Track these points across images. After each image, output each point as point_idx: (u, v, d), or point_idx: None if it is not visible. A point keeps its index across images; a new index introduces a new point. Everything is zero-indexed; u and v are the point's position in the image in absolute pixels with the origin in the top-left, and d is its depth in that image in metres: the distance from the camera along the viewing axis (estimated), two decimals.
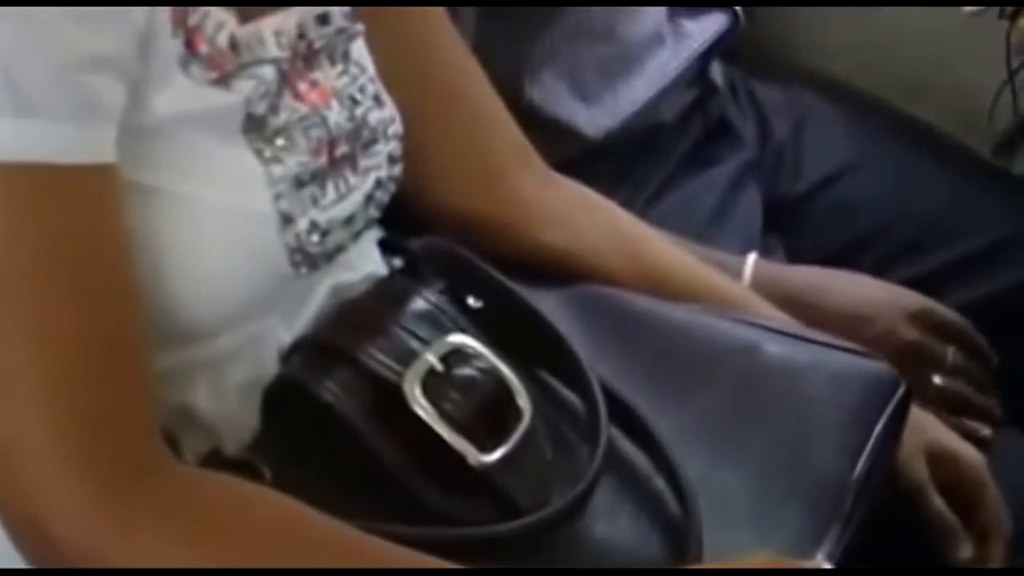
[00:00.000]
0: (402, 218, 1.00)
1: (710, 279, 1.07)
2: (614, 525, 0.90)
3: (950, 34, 1.30)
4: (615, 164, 1.17)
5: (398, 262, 0.97)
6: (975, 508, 1.05)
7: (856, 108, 1.35)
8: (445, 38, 1.05)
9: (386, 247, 0.98)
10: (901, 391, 1.02)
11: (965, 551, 1.05)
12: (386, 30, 0.99)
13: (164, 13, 0.82)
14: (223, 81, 0.85)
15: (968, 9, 1.15)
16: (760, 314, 1.06)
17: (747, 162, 1.29)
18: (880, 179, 1.30)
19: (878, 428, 0.99)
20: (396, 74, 0.97)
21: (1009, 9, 1.14)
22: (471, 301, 0.93)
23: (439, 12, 1.05)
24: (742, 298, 1.08)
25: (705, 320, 1.03)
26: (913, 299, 1.12)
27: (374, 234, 0.98)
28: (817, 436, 0.98)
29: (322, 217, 0.89)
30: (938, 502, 1.05)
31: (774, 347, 1.01)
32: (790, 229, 1.27)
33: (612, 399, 0.93)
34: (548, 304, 0.96)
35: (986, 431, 1.07)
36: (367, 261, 0.96)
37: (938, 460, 1.05)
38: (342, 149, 0.91)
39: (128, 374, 0.78)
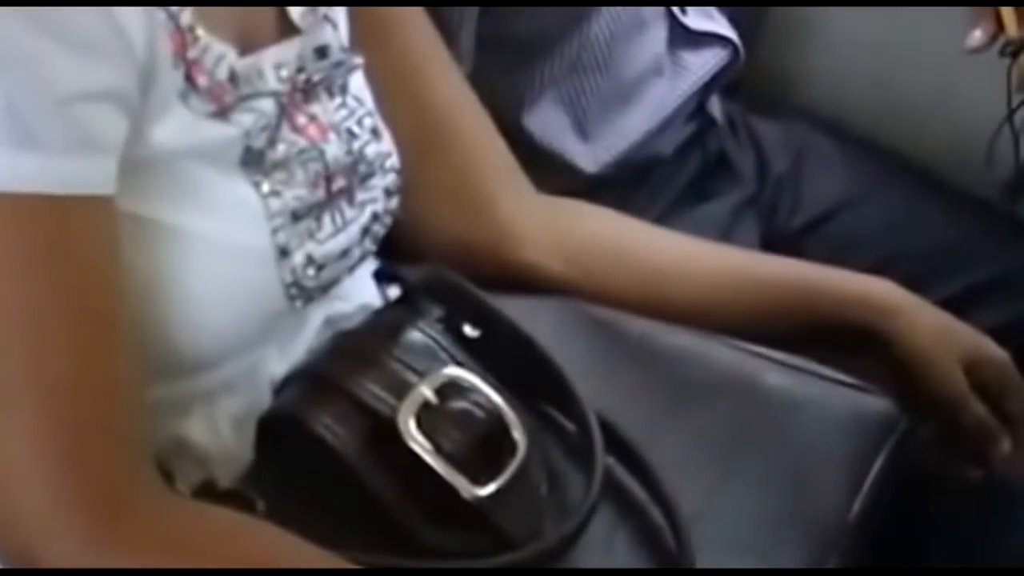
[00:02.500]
0: (398, 246, 1.00)
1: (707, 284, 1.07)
2: (609, 555, 0.90)
3: (949, 71, 1.31)
4: (613, 197, 1.17)
5: (394, 291, 0.98)
6: (1004, 401, 1.06)
7: (854, 144, 1.35)
8: (441, 71, 1.06)
9: (382, 276, 0.99)
10: (901, 428, 1.02)
11: (1004, 446, 1.06)
12: (384, 63, 0.99)
13: (165, 46, 0.82)
14: (222, 114, 0.85)
15: (968, 45, 1.15)
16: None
17: (745, 197, 1.29)
18: (878, 215, 1.30)
19: (877, 464, 1.00)
20: (394, 106, 0.98)
21: (1010, 47, 1.14)
22: (467, 330, 0.93)
23: (438, 44, 1.06)
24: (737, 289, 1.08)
25: (707, 347, 1.03)
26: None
27: (370, 266, 0.98)
28: (816, 471, 0.98)
29: (318, 251, 0.89)
30: (979, 408, 1.05)
31: (776, 379, 1.01)
32: None
33: (610, 429, 0.93)
34: (546, 331, 0.96)
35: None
36: (362, 292, 0.96)
37: (972, 367, 1.06)
38: (339, 183, 0.91)
39: (121, 405, 0.79)
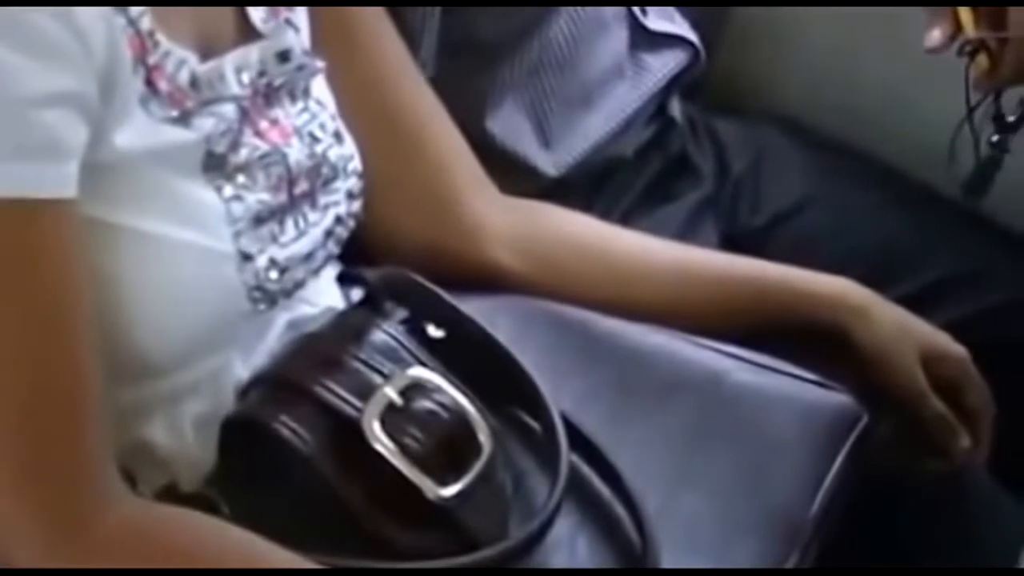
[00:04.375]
0: (360, 250, 1.00)
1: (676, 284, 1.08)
2: (573, 550, 0.90)
3: (909, 70, 1.31)
4: (574, 198, 1.17)
5: (357, 294, 0.98)
6: (963, 396, 1.07)
7: (814, 144, 1.36)
8: (406, 75, 1.06)
9: (345, 279, 0.99)
10: (862, 424, 1.03)
11: (964, 440, 1.07)
12: (350, 67, 0.99)
13: (125, 50, 0.82)
14: (183, 119, 0.85)
15: (927, 45, 1.15)
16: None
17: (705, 198, 1.29)
18: (837, 213, 1.30)
19: (838, 460, 1.00)
20: (361, 111, 0.98)
21: (968, 46, 1.15)
22: (431, 331, 0.93)
23: (401, 48, 1.06)
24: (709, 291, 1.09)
25: (672, 346, 1.03)
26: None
27: (333, 269, 0.98)
28: (778, 466, 0.99)
29: (281, 254, 0.89)
30: (938, 403, 1.07)
31: (740, 376, 1.02)
32: None
33: (574, 428, 0.93)
34: (510, 329, 0.96)
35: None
36: (326, 296, 0.96)
37: (929, 361, 1.07)
38: (302, 186, 0.91)
39: (81, 410, 0.79)
